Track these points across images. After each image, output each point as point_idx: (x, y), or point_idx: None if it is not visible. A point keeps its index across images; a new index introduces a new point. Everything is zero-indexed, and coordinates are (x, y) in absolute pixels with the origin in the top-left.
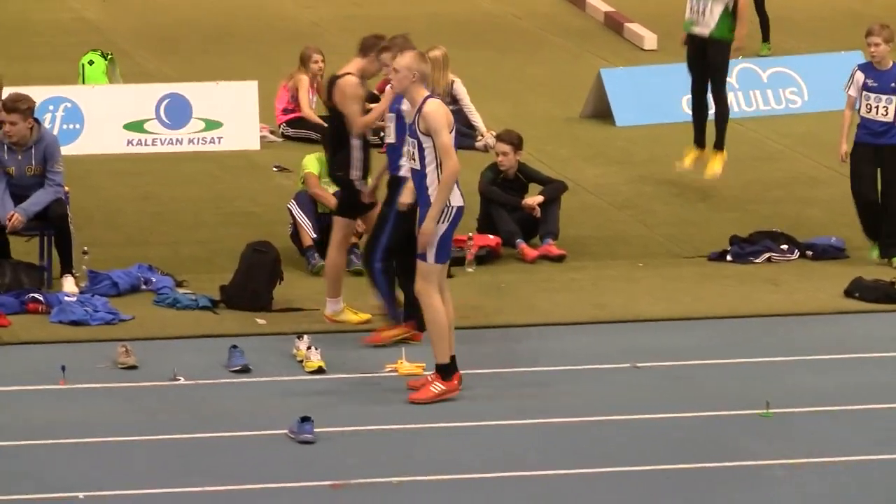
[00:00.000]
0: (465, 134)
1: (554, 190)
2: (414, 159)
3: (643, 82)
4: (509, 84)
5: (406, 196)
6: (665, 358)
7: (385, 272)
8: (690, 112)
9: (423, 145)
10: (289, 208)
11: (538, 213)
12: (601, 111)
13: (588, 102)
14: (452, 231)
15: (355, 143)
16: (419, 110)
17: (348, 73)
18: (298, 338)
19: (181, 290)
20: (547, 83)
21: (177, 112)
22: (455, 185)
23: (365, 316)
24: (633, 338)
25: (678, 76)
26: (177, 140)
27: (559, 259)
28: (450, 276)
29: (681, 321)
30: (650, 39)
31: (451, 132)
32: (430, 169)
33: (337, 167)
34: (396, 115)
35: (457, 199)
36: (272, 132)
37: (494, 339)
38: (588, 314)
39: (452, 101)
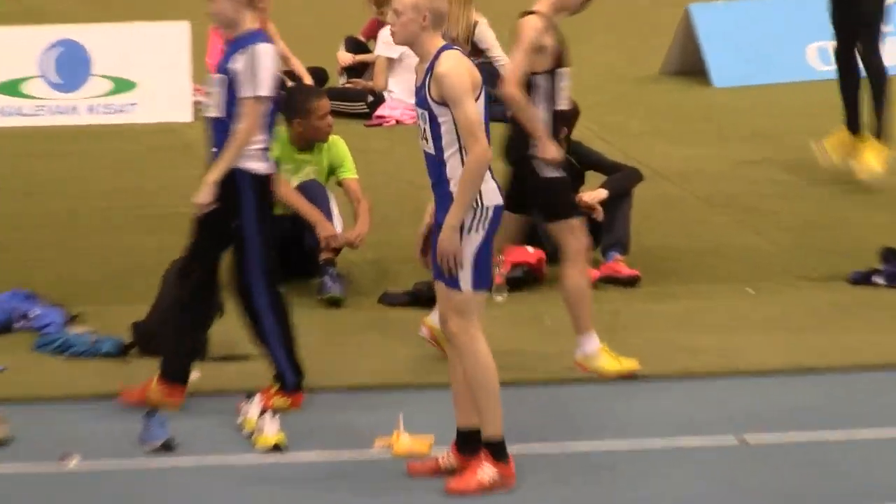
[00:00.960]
0: (496, 100)
1: (623, 181)
2: (426, 139)
3: (751, 23)
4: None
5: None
6: (787, 428)
7: (273, 307)
8: (838, 82)
9: (439, 119)
10: None
11: (600, 214)
12: (690, 66)
13: (671, 53)
14: (491, 241)
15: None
16: (430, 68)
17: (534, 13)
18: (247, 399)
19: (75, 329)
20: (612, 25)
21: (70, 66)
22: (489, 176)
23: (631, 364)
24: (741, 399)
25: (805, 14)
26: (70, 108)
27: (631, 282)
28: None
29: (810, 375)
30: None
31: (477, 99)
32: (451, 154)
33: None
34: (225, 75)
35: (492, 196)
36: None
37: (539, 400)
38: (674, 364)
39: (474, 50)
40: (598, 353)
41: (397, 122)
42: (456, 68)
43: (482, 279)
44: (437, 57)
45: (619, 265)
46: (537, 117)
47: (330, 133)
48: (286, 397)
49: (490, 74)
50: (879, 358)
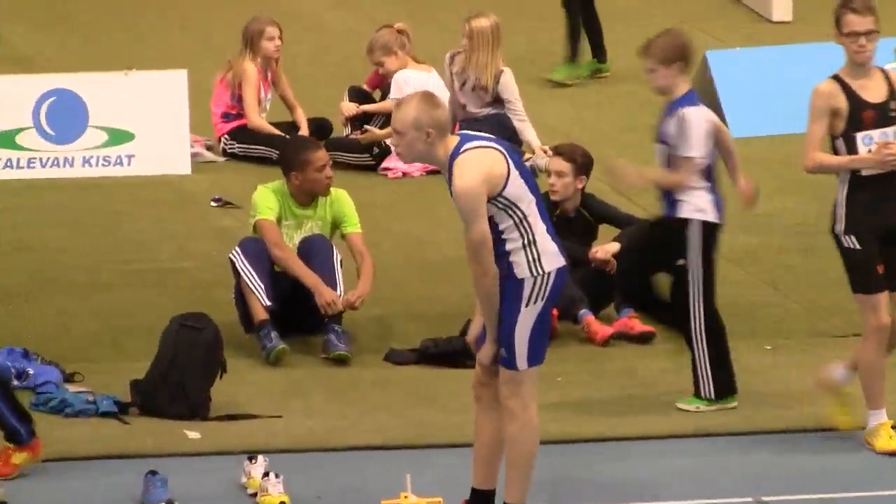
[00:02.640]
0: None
1: (636, 234)
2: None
3: (770, 71)
4: None
5: None
6: (809, 490)
7: None
8: None
9: (499, 226)
10: (231, 260)
11: (613, 267)
12: None
13: None
14: (550, 310)
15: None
16: (449, 180)
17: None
18: (250, 459)
19: (72, 388)
20: (626, 72)
21: (65, 117)
22: (549, 239)
23: None
24: (759, 459)
25: (825, 61)
26: (65, 160)
27: (645, 339)
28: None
29: (830, 433)
30: (782, 5)
31: (506, 182)
32: (506, 226)
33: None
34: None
35: (552, 260)
36: (209, 147)
37: (553, 460)
38: (689, 423)
39: (495, 100)
40: (877, 430)
41: (404, 174)
42: (470, 187)
43: (537, 355)
44: (452, 164)
45: (633, 321)
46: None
47: (330, 185)
48: (26, 451)
49: (502, 125)
50: None
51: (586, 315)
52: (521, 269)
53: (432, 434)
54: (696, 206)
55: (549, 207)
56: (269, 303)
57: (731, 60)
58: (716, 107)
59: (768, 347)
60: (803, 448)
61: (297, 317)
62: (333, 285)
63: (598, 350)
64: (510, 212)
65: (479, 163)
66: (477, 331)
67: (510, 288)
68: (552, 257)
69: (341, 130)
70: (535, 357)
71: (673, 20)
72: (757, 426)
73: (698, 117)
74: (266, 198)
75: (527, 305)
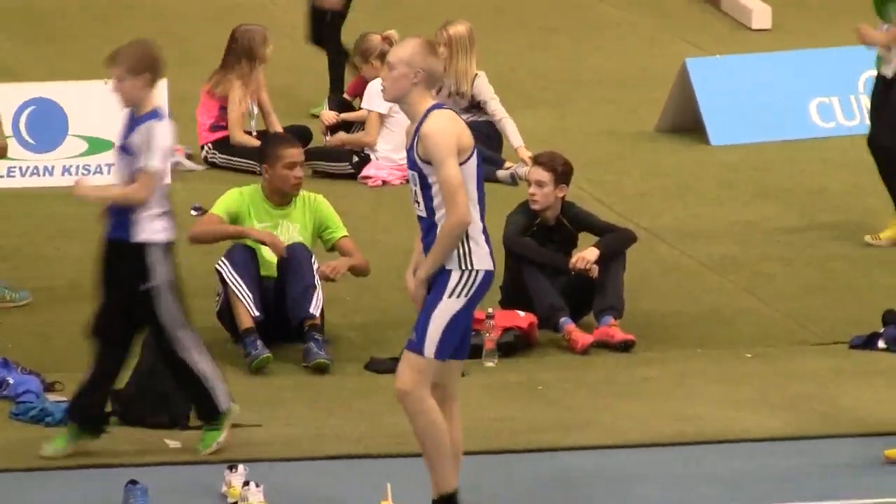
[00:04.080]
0: (488, 159)
1: (616, 242)
2: (418, 202)
3: (750, 79)
4: (551, 82)
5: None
6: (788, 498)
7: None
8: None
9: (429, 179)
10: (218, 270)
11: (595, 275)
12: (687, 123)
13: (668, 110)
14: (472, 309)
15: None
16: (418, 127)
17: None
18: (230, 468)
19: (53, 397)
20: (607, 81)
21: (45, 126)
22: (483, 240)
23: None
24: (738, 467)
25: (806, 70)
26: (45, 169)
27: (625, 347)
28: (462, 374)
29: (809, 440)
30: (761, 13)
31: (467, 161)
32: (442, 214)
33: None
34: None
35: (483, 261)
36: (191, 156)
37: (529, 469)
38: (669, 431)
39: (472, 105)
40: None
41: (384, 182)
42: (442, 128)
43: (446, 349)
44: (426, 116)
45: (613, 329)
46: None
47: (298, 186)
48: None
49: (483, 133)
50: (883, 425)
51: (567, 323)
52: (450, 260)
53: (413, 443)
54: (154, 228)
55: (532, 217)
56: (257, 313)
57: (711, 68)
58: (695, 114)
59: (748, 355)
60: (782, 456)
61: (278, 326)
62: (307, 304)
63: (578, 358)
64: None
65: (455, 121)
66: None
67: (438, 277)
68: (483, 258)
69: (321, 139)
70: (442, 350)
71: (653, 28)
72: (737, 434)
73: (165, 132)
74: (227, 197)
75: (448, 297)
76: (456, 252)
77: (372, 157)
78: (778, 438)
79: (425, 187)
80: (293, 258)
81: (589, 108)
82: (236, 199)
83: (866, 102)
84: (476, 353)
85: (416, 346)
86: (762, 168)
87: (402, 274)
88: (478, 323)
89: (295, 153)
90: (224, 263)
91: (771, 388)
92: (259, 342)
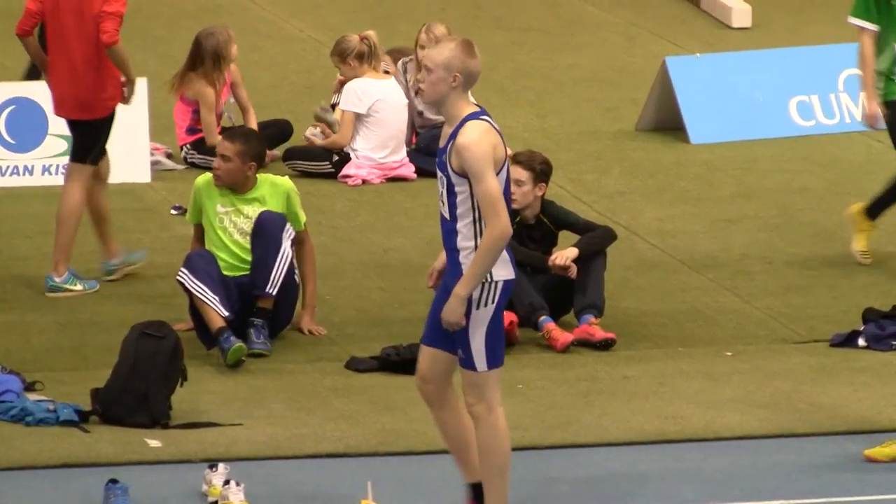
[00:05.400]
0: None
1: (596, 241)
2: (443, 202)
3: (730, 78)
4: (530, 81)
5: None
6: (769, 496)
7: None
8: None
9: (456, 189)
10: (179, 282)
11: (574, 272)
12: (667, 121)
13: (648, 108)
14: (501, 315)
15: None
16: (453, 135)
17: None
18: (211, 468)
19: (33, 396)
20: (586, 80)
21: (25, 126)
22: (505, 251)
23: None
24: (719, 464)
25: (786, 68)
26: (25, 168)
27: (605, 345)
28: None
29: (790, 438)
30: (741, 12)
31: (499, 171)
32: (464, 224)
33: None
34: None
35: (502, 271)
36: (170, 156)
37: (512, 470)
38: (650, 430)
39: None
40: None
41: (364, 181)
42: (478, 141)
43: (496, 356)
44: (462, 125)
45: (594, 328)
46: None
47: (217, 175)
48: None
49: None
50: (864, 423)
51: (547, 322)
52: None
53: (394, 442)
54: None
55: (511, 216)
56: (226, 313)
57: (691, 66)
58: (675, 113)
59: (728, 353)
60: (763, 454)
61: (246, 323)
62: (264, 279)
63: (558, 357)
64: (475, 202)
65: (490, 133)
66: (441, 265)
67: (455, 281)
68: (502, 267)
69: (300, 138)
70: (493, 358)
71: (633, 27)
72: (717, 432)
73: None
74: (190, 202)
75: (477, 309)
76: None
77: (352, 156)
78: (759, 436)
79: (451, 193)
80: (261, 225)
81: (568, 107)
82: (194, 196)
83: (846, 101)
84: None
85: (469, 364)
86: (742, 167)
87: (381, 273)
88: None
89: (223, 146)
90: (184, 273)
91: (752, 387)
92: (232, 337)
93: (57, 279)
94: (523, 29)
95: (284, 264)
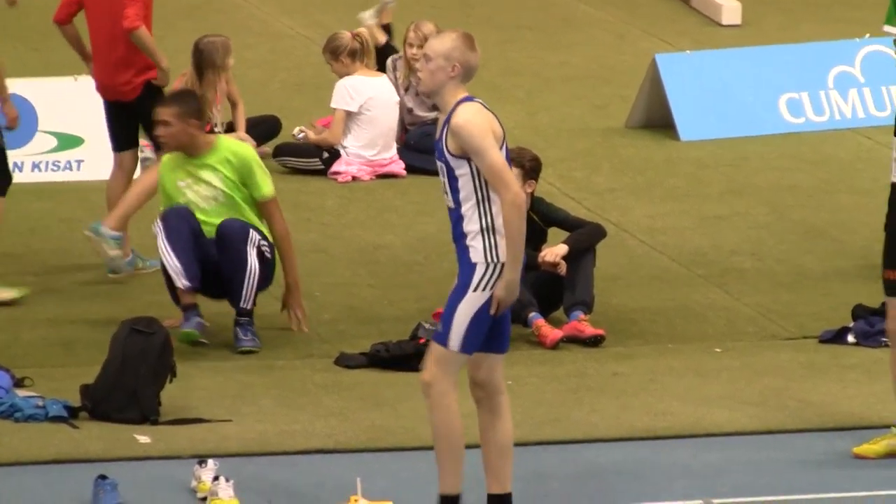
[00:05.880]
0: None
1: (585, 237)
2: (446, 193)
3: (720, 75)
4: (520, 79)
5: None
6: (759, 492)
7: None
8: None
9: (456, 172)
10: (155, 234)
11: (563, 269)
12: (657, 118)
13: (637, 105)
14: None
15: None
16: (447, 120)
17: None
18: (200, 463)
19: (22, 393)
20: (576, 78)
21: None
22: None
23: None
24: (709, 461)
25: (776, 65)
26: (14, 165)
27: (594, 342)
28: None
29: (780, 434)
30: (731, 10)
31: (501, 147)
32: (468, 207)
33: None
34: None
35: (503, 251)
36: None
37: None
38: (640, 426)
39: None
40: None
41: (354, 178)
42: (473, 118)
43: (470, 343)
44: (454, 109)
45: (583, 325)
46: None
47: (162, 144)
48: None
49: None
50: (853, 419)
51: (536, 318)
52: (476, 253)
53: (383, 438)
54: None
55: None
56: (187, 283)
57: (681, 63)
58: (665, 110)
59: (718, 350)
60: (753, 450)
61: (214, 284)
62: (236, 296)
63: (548, 353)
64: (477, 182)
65: (483, 112)
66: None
67: (464, 270)
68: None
69: (289, 135)
70: (468, 343)
71: (622, 24)
72: (707, 429)
73: None
74: (160, 185)
75: (474, 290)
76: (482, 245)
77: (342, 152)
78: (748, 433)
79: (452, 179)
80: (225, 236)
81: (558, 104)
82: (160, 182)
83: (836, 98)
84: None
85: (442, 339)
86: (732, 164)
87: (371, 270)
88: None
89: (158, 112)
90: (159, 228)
91: (741, 383)
92: (194, 318)
93: (105, 231)
94: (514, 27)
95: (254, 278)
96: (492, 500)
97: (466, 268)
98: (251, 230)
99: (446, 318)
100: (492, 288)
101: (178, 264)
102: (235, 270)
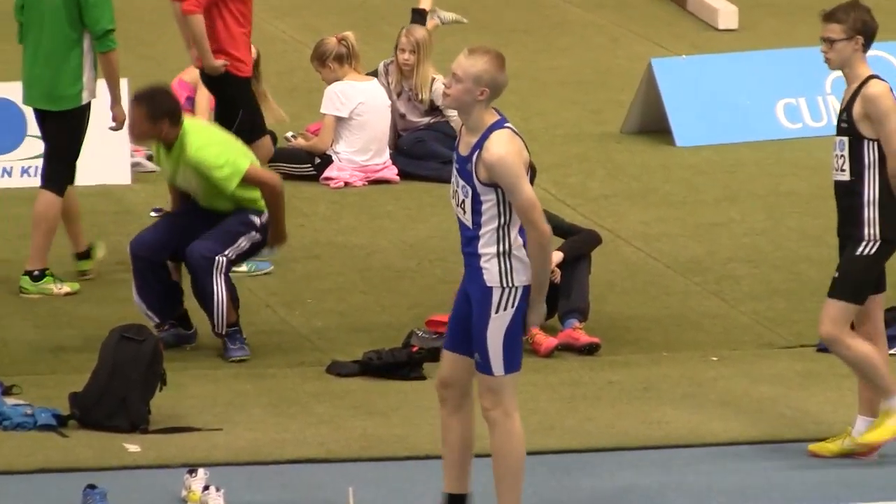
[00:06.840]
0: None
1: (580, 244)
2: (463, 209)
3: (716, 80)
4: (515, 83)
5: None
6: (754, 502)
7: None
8: None
9: (482, 198)
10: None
11: (557, 276)
12: (653, 124)
13: (633, 111)
14: (520, 320)
15: None
16: (479, 146)
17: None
18: (190, 473)
19: (10, 400)
20: (571, 82)
21: (3, 127)
22: (524, 255)
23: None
24: (706, 472)
25: (773, 71)
26: (3, 170)
27: (590, 350)
28: (423, 377)
29: (779, 444)
30: (728, 14)
31: (527, 171)
32: (488, 230)
33: None
34: None
35: (521, 276)
36: (151, 158)
37: (487, 473)
38: (635, 436)
39: (431, 109)
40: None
41: (346, 183)
42: (509, 153)
43: (513, 362)
44: (486, 136)
45: (578, 332)
46: None
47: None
48: None
49: (445, 134)
50: (847, 427)
51: (531, 326)
52: (491, 277)
53: (375, 447)
54: None
55: None
56: (157, 321)
57: (677, 68)
58: (661, 115)
59: (714, 358)
60: (749, 460)
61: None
62: (211, 322)
63: (542, 361)
64: (501, 208)
65: (515, 140)
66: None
67: (479, 294)
68: (523, 272)
69: (281, 140)
70: (510, 363)
71: (618, 28)
72: (703, 438)
73: None
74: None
75: (496, 313)
76: (497, 269)
77: (334, 158)
78: (744, 442)
79: (476, 202)
80: (190, 267)
81: (553, 109)
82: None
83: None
84: (436, 356)
85: (485, 368)
86: (728, 170)
87: (364, 276)
88: (440, 326)
89: (129, 107)
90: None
91: (737, 392)
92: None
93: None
94: (507, 31)
95: (223, 306)
96: (451, 500)
97: (481, 289)
98: (217, 257)
99: (480, 348)
100: (513, 306)
101: (144, 306)
102: (204, 300)
